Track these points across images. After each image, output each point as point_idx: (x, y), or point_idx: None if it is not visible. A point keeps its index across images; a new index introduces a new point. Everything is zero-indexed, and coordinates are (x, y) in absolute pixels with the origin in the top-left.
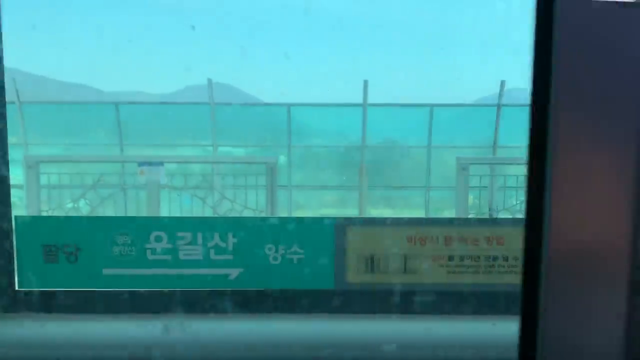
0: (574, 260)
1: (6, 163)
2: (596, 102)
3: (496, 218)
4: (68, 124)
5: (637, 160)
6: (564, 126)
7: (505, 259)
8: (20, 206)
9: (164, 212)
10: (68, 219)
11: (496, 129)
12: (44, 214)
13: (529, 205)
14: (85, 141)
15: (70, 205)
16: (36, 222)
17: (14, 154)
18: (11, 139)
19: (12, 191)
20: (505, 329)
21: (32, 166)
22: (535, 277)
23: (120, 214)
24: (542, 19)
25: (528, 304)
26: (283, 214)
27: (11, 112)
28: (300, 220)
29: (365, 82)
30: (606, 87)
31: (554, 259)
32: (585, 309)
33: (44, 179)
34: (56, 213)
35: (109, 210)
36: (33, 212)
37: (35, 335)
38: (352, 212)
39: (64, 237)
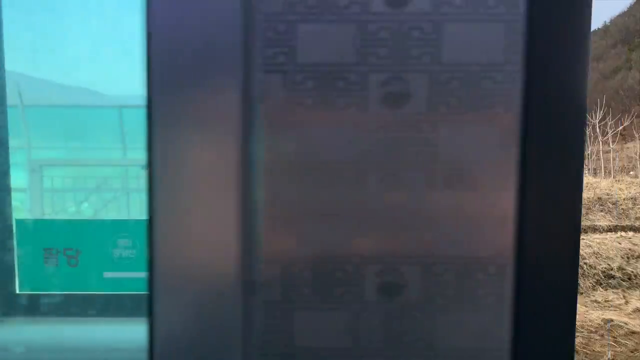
0: (184, 261)
1: (7, 166)
2: (192, 106)
3: None
4: (71, 127)
5: (242, 161)
6: (158, 127)
7: None
8: (23, 210)
9: None
10: (69, 222)
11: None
12: (47, 217)
13: (150, 208)
14: (88, 144)
15: (73, 208)
16: (37, 225)
17: (17, 157)
18: (15, 143)
19: (17, 195)
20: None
21: (36, 169)
22: (152, 278)
23: (124, 217)
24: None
25: (150, 305)
26: None
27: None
28: None
29: None
30: (202, 90)
31: (162, 260)
32: (200, 311)
33: (47, 182)
34: (59, 216)
35: (112, 214)
36: (36, 216)
37: (36, 339)
38: None
39: (65, 240)
